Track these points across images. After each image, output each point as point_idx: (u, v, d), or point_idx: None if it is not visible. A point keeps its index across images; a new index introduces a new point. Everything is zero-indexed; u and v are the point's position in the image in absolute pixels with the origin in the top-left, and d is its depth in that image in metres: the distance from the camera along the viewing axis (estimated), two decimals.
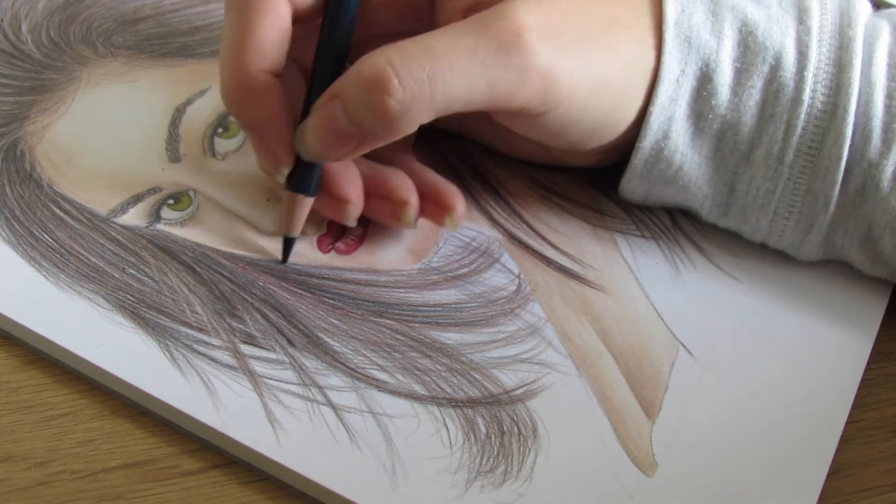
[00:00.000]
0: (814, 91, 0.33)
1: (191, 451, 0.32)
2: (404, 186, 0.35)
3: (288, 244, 0.35)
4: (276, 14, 0.32)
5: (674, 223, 0.38)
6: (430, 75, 0.29)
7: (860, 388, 0.34)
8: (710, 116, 0.33)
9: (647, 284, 0.36)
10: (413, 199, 0.35)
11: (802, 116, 0.33)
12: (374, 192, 0.35)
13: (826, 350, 0.35)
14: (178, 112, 0.39)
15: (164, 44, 0.42)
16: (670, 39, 0.33)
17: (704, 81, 0.33)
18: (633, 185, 0.36)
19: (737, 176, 0.34)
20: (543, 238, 0.37)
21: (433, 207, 0.35)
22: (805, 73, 0.33)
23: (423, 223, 0.36)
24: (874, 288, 0.37)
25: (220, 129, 0.39)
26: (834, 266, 0.37)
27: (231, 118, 0.39)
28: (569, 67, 0.31)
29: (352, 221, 0.35)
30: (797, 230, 0.35)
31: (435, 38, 0.30)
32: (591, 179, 0.39)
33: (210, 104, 0.40)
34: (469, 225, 0.37)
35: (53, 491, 0.31)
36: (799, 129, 0.33)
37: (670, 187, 0.35)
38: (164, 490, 0.31)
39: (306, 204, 0.34)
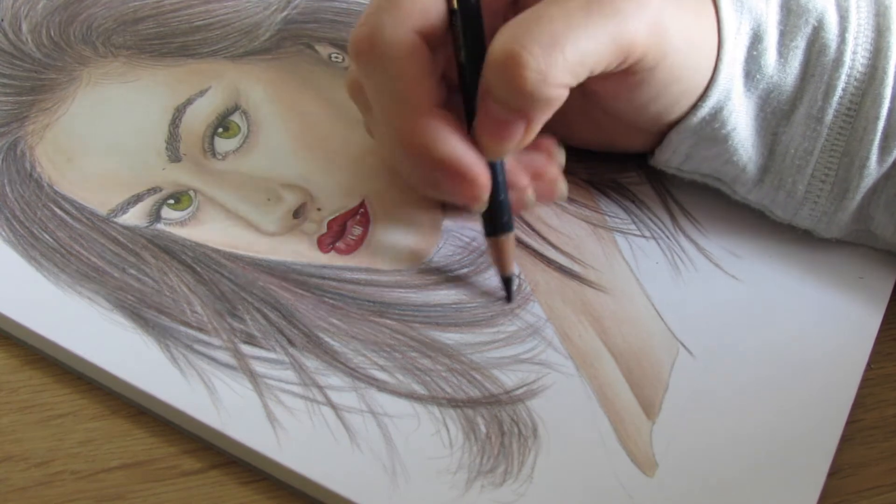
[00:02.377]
0: (854, 53, 0.34)
1: (191, 451, 0.32)
2: (549, 164, 0.35)
3: (508, 283, 0.35)
4: (423, 54, 0.32)
5: (674, 223, 0.38)
6: (555, 38, 0.30)
7: (860, 388, 0.34)
8: (758, 77, 0.34)
9: (648, 284, 0.36)
10: (560, 174, 0.35)
11: (843, 77, 0.34)
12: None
13: (826, 350, 0.35)
14: (179, 112, 0.39)
15: (164, 44, 0.42)
16: (725, 2, 0.34)
17: (755, 41, 0.34)
18: (680, 140, 0.36)
19: (776, 137, 0.35)
20: (543, 238, 0.37)
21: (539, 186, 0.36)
22: (846, 35, 0.34)
23: (424, 222, 0.36)
24: (874, 288, 0.37)
25: (220, 129, 0.39)
26: (834, 266, 0.37)
27: (232, 118, 0.39)
28: (671, 15, 0.32)
29: (531, 206, 0.35)
30: (832, 195, 0.35)
31: (548, 4, 0.31)
32: (590, 179, 0.39)
33: (210, 104, 0.40)
34: (469, 225, 0.37)
35: (53, 491, 0.31)
36: (839, 90, 0.34)
37: (716, 147, 0.35)
38: (164, 490, 0.31)
39: (511, 240, 0.35)
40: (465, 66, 0.33)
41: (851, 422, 0.34)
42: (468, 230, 0.37)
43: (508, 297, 0.35)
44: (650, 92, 0.34)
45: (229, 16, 0.43)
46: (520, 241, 0.37)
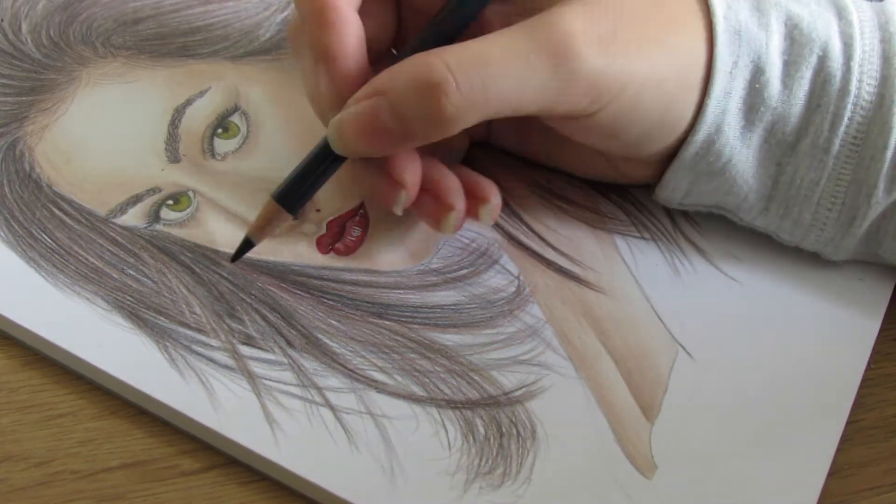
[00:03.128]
0: (860, 81, 0.33)
1: (190, 451, 0.32)
2: (455, 190, 0.34)
3: (246, 246, 0.34)
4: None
5: (673, 225, 0.38)
6: (486, 81, 0.30)
7: (860, 388, 0.34)
8: (762, 109, 0.34)
9: (647, 286, 0.36)
10: (460, 205, 0.34)
11: (849, 106, 0.33)
12: (423, 187, 0.34)
13: (826, 350, 0.35)
14: (178, 112, 0.39)
15: (163, 44, 0.42)
16: (721, 32, 0.33)
17: (757, 74, 0.33)
18: (677, 178, 0.36)
19: (780, 167, 0.35)
20: (543, 239, 0.37)
21: (469, 200, 0.35)
22: (851, 64, 0.33)
23: (422, 225, 0.36)
24: (874, 289, 0.37)
25: (219, 130, 0.39)
26: (834, 267, 0.37)
27: (231, 118, 0.39)
28: (616, 68, 0.31)
29: (399, 209, 0.34)
30: (839, 222, 0.35)
31: (490, 43, 0.31)
32: (590, 181, 0.39)
33: (210, 104, 0.40)
34: (468, 226, 0.37)
35: (53, 491, 0.31)
36: (845, 119, 0.33)
37: (715, 181, 0.35)
38: (164, 490, 0.31)
39: (284, 220, 0.34)
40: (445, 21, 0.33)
41: (851, 422, 0.34)
42: (468, 231, 0.37)
43: (234, 258, 0.34)
44: (604, 129, 0.33)
45: (229, 16, 0.43)
46: (519, 243, 0.37)
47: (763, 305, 0.36)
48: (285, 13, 0.44)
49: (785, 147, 0.34)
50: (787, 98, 0.34)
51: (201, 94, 0.40)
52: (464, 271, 0.36)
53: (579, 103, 0.31)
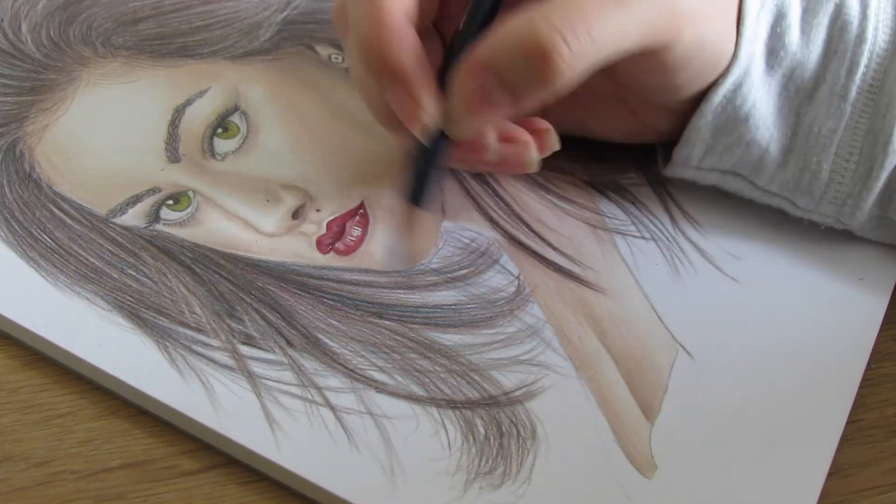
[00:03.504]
0: (876, 29, 0.34)
1: (190, 451, 0.32)
2: (519, 129, 0.34)
3: (395, 252, 0.35)
4: None
5: (673, 224, 0.38)
6: (591, 31, 0.30)
7: (860, 388, 0.34)
8: (782, 54, 0.34)
9: (647, 286, 0.36)
10: (532, 139, 0.34)
11: (865, 53, 0.34)
12: (500, 137, 0.34)
13: (826, 350, 0.35)
14: (178, 112, 0.39)
15: (164, 44, 0.42)
16: None
17: (779, 18, 0.34)
18: (701, 125, 0.35)
19: (799, 117, 0.35)
20: (543, 239, 0.37)
21: (535, 138, 0.34)
22: (868, 12, 0.34)
23: (423, 223, 0.36)
24: (874, 288, 0.37)
25: (219, 130, 0.39)
26: (834, 267, 0.37)
27: (231, 118, 0.39)
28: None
29: (494, 156, 0.33)
30: (857, 174, 0.35)
31: None
32: (590, 181, 0.39)
33: (210, 104, 0.40)
34: (468, 226, 0.37)
35: (53, 491, 0.31)
36: (862, 67, 0.34)
37: (739, 129, 0.35)
38: (164, 490, 0.31)
39: (419, 216, 0.34)
40: (473, 19, 0.32)
41: (851, 422, 0.34)
42: (468, 231, 0.37)
43: (390, 263, 0.34)
44: (673, 64, 0.33)
45: (229, 16, 0.43)
46: (519, 243, 0.37)
47: (763, 305, 0.36)
48: (285, 13, 0.44)
49: (803, 94, 0.35)
50: (805, 44, 0.34)
51: (201, 94, 0.40)
52: (464, 271, 0.36)
53: (669, 33, 0.31)
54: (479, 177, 0.39)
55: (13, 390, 0.33)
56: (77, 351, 0.33)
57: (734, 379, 0.34)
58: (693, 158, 0.37)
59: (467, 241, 0.37)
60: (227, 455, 0.32)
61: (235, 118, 0.39)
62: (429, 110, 0.32)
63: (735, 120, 0.35)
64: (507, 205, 0.38)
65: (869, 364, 0.35)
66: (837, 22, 0.34)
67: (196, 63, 0.41)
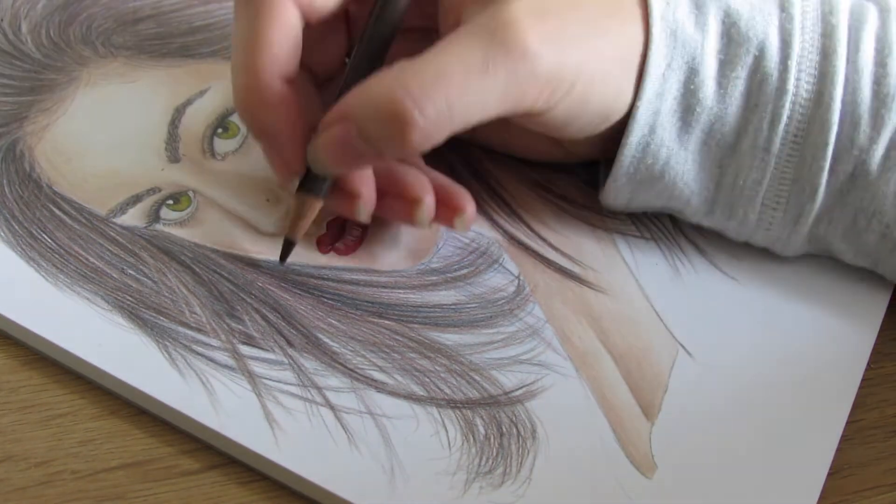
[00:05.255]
0: (798, 80, 0.33)
1: (190, 451, 0.32)
2: (418, 184, 0.34)
3: (288, 247, 0.35)
4: (287, 19, 0.32)
5: (674, 224, 0.38)
6: (449, 103, 0.29)
7: (860, 388, 0.34)
8: (698, 109, 0.33)
9: (647, 285, 0.36)
10: (428, 198, 0.34)
11: (787, 105, 0.33)
12: (388, 189, 0.34)
13: (826, 350, 0.35)
14: (178, 112, 0.39)
15: (163, 44, 0.42)
16: (657, 34, 0.33)
17: (691, 75, 0.33)
18: (618, 184, 0.35)
19: (722, 170, 0.34)
20: (543, 239, 0.37)
21: (442, 209, 0.35)
22: (789, 63, 0.33)
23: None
24: (874, 288, 0.37)
25: (219, 130, 0.39)
26: (834, 266, 0.37)
27: (231, 118, 0.39)
28: (570, 62, 0.31)
29: (364, 217, 0.34)
30: (785, 221, 0.35)
31: (447, 56, 0.30)
32: (590, 180, 0.39)
33: (210, 104, 0.40)
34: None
35: (53, 491, 0.31)
36: (784, 118, 0.33)
37: (656, 185, 0.35)
38: (164, 490, 0.31)
39: (314, 207, 0.34)
40: (363, 55, 0.33)
41: (851, 422, 0.34)
42: (468, 231, 0.37)
43: (282, 260, 0.35)
44: (557, 121, 0.33)
45: (229, 16, 0.43)
46: (519, 242, 0.37)
47: (763, 305, 0.36)
48: None
49: (725, 148, 0.34)
50: (721, 98, 0.33)
51: (201, 93, 0.40)
52: (464, 271, 0.36)
53: (537, 101, 0.31)
54: (479, 176, 0.39)
55: (13, 390, 0.33)
56: (77, 351, 0.33)
57: (734, 379, 0.34)
58: (619, 205, 0.37)
59: (467, 241, 0.37)
60: (227, 455, 0.32)
61: (235, 118, 0.39)
62: (297, 171, 0.33)
63: (650, 178, 0.35)
64: (507, 205, 0.38)
65: (869, 364, 0.35)
66: (757, 75, 0.33)
67: (196, 63, 0.41)
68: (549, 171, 0.39)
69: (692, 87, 0.33)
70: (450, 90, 0.29)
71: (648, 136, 0.34)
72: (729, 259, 0.37)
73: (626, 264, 0.37)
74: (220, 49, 0.42)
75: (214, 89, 0.40)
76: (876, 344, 0.35)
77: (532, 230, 0.38)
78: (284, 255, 0.35)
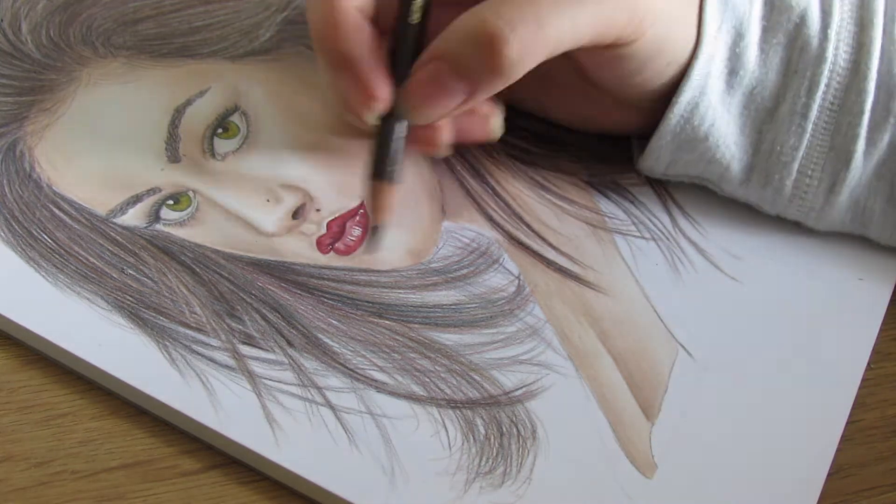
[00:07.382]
0: (836, 48, 0.34)
1: (190, 451, 0.32)
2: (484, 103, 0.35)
3: (376, 233, 0.35)
4: None
5: (674, 224, 0.38)
6: (541, 22, 0.30)
7: (860, 388, 0.34)
8: (741, 73, 0.34)
9: (647, 286, 0.36)
10: (497, 109, 0.35)
11: (826, 73, 0.34)
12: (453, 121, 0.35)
13: (826, 350, 0.35)
14: (178, 112, 0.39)
15: (164, 44, 0.42)
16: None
17: (738, 38, 0.34)
18: (663, 142, 0.36)
19: (761, 135, 0.35)
20: (543, 239, 0.37)
21: (472, 118, 0.35)
22: (829, 31, 0.34)
23: (423, 223, 0.36)
24: (874, 288, 0.37)
25: (219, 130, 0.39)
26: (834, 266, 0.37)
27: (231, 118, 0.39)
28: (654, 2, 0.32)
29: (446, 150, 0.35)
30: (819, 190, 0.35)
31: None
32: (590, 180, 0.39)
33: (210, 104, 0.40)
34: (469, 226, 0.37)
35: (53, 491, 0.31)
36: (822, 86, 0.34)
37: (699, 147, 0.36)
38: (164, 490, 0.31)
39: (391, 193, 0.34)
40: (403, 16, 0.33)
41: (851, 422, 0.34)
42: (468, 231, 0.37)
43: (373, 249, 0.35)
44: (634, 61, 0.34)
45: (229, 16, 0.43)
46: (519, 242, 0.37)
47: (763, 305, 0.36)
48: (285, 13, 0.43)
49: (764, 113, 0.35)
50: (763, 63, 0.34)
51: (201, 94, 0.40)
52: (464, 271, 0.36)
53: (626, 27, 0.32)
54: (479, 177, 0.39)
55: (13, 390, 0.33)
56: (77, 351, 0.33)
57: (734, 379, 0.34)
58: (657, 169, 0.37)
59: (467, 241, 0.37)
60: (228, 455, 0.32)
61: (235, 118, 0.39)
62: (380, 96, 0.33)
63: (694, 139, 0.35)
64: (507, 205, 0.38)
65: (869, 364, 0.35)
66: (797, 42, 0.34)
67: (196, 63, 0.41)
68: (549, 171, 0.39)
69: (738, 50, 0.34)
70: (540, 9, 0.30)
71: (699, 96, 0.35)
72: (729, 259, 0.37)
73: (626, 264, 0.37)
74: (220, 49, 0.42)
75: (214, 89, 0.40)
76: (876, 344, 0.35)
77: (532, 230, 0.38)
78: (375, 242, 0.35)
